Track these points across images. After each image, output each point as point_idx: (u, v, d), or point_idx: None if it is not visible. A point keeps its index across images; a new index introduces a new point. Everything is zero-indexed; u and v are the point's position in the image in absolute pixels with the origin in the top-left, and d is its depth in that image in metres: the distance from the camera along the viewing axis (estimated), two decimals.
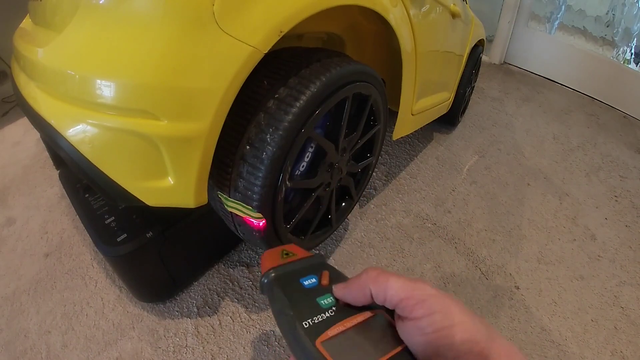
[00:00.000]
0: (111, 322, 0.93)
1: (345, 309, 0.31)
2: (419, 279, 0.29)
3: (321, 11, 0.61)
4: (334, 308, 0.31)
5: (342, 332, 0.29)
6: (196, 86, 0.52)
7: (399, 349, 0.28)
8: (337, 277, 0.34)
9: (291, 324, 0.29)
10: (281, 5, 0.57)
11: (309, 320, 0.29)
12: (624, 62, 2.24)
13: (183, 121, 0.53)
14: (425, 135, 1.76)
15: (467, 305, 0.28)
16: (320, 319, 0.30)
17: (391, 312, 0.30)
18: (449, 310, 0.27)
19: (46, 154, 1.40)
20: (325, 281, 0.33)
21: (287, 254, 0.36)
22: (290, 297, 0.31)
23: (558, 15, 2.43)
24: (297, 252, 0.37)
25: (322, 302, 0.31)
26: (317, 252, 0.37)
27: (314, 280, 0.33)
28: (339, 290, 0.32)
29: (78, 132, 0.53)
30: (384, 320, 0.30)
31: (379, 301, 0.30)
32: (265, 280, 0.34)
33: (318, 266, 0.35)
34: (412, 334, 0.28)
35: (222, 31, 0.52)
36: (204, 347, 0.89)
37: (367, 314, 0.31)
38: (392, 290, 0.28)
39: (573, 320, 1.00)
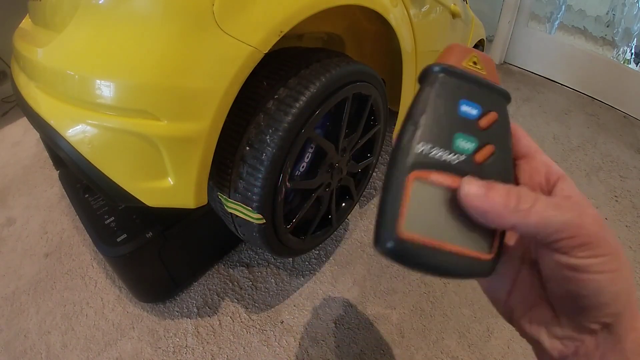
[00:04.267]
0: (111, 322, 0.93)
1: (476, 166, 0.22)
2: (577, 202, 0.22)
3: (321, 11, 0.61)
4: (464, 156, 0.22)
5: (446, 187, 0.21)
6: (196, 86, 0.52)
7: (488, 256, 0.22)
8: (505, 133, 0.24)
9: (407, 137, 0.22)
10: (281, 6, 0.57)
11: (426, 147, 0.22)
12: (624, 62, 2.24)
13: (183, 121, 0.53)
14: None
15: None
16: (437, 155, 0.22)
17: None
18: (619, 253, 0.22)
19: (46, 154, 1.40)
20: (484, 123, 0.24)
21: (475, 64, 0.26)
22: (433, 107, 0.23)
23: (558, 15, 2.42)
24: (487, 68, 0.26)
25: (459, 141, 0.23)
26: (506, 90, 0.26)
27: (475, 111, 0.24)
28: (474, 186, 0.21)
29: (77, 132, 0.53)
30: None
31: (521, 232, 0.22)
32: (433, 70, 0.24)
33: (495, 101, 0.25)
34: (552, 264, 0.22)
35: (222, 31, 0.52)
36: (204, 348, 0.88)
37: None
38: (550, 227, 0.21)
39: None
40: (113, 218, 0.86)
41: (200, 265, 1.04)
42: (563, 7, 2.38)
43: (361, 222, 1.24)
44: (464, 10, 1.42)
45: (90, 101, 0.52)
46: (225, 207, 0.68)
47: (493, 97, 0.25)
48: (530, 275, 0.26)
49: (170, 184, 0.57)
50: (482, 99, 0.24)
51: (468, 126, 0.23)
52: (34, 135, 1.59)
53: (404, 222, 0.20)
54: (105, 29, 0.53)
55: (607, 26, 2.23)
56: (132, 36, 0.52)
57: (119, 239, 0.80)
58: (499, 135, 0.24)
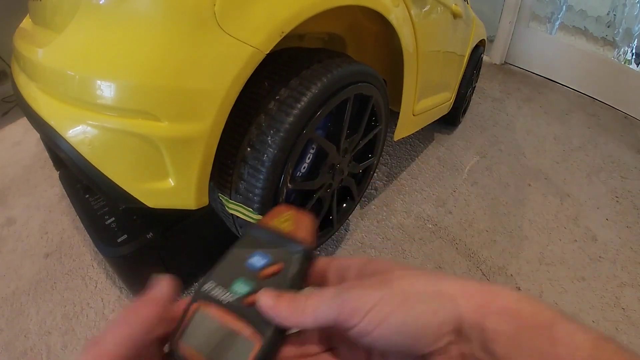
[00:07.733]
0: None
1: (245, 309, 0.27)
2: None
3: (323, 11, 0.61)
4: (237, 296, 0.27)
5: (218, 318, 0.26)
6: (197, 87, 0.52)
7: None
8: (289, 279, 0.28)
9: (205, 275, 0.29)
10: (283, 6, 0.57)
11: (211, 286, 0.28)
12: (624, 63, 2.24)
13: (184, 122, 0.53)
14: (426, 136, 1.76)
15: None
16: (216, 293, 0.28)
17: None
18: (391, 281, 0.22)
19: (46, 154, 1.40)
20: (268, 271, 0.28)
21: (286, 221, 0.32)
22: (229, 256, 0.30)
23: (559, 16, 2.43)
24: (298, 225, 0.32)
25: (236, 285, 0.28)
26: (317, 251, 0.30)
27: (263, 262, 0.29)
28: (269, 298, 0.25)
29: (78, 133, 0.53)
30: (268, 347, 0.25)
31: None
32: (246, 230, 0.32)
33: (289, 254, 0.30)
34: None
35: (223, 32, 0.52)
36: None
37: (255, 335, 0.25)
38: (314, 314, 0.23)
39: None
40: (113, 218, 0.85)
41: (200, 266, 1.04)
42: (564, 7, 2.38)
43: (362, 222, 1.24)
44: (465, 11, 1.42)
45: (90, 102, 0.52)
46: (226, 208, 0.68)
47: (292, 250, 0.30)
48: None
49: (171, 184, 0.57)
50: (276, 252, 0.30)
51: (251, 273, 0.29)
52: (34, 135, 1.59)
53: (182, 337, 0.26)
54: (105, 29, 0.53)
55: (608, 26, 2.23)
56: (133, 36, 0.51)
57: (119, 240, 0.80)
58: (280, 282, 0.28)
